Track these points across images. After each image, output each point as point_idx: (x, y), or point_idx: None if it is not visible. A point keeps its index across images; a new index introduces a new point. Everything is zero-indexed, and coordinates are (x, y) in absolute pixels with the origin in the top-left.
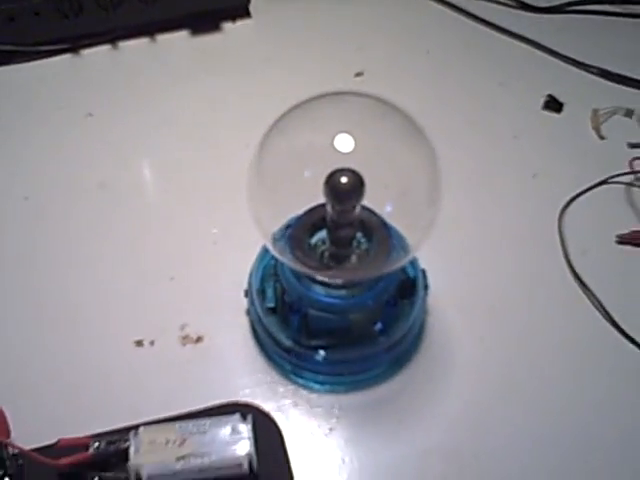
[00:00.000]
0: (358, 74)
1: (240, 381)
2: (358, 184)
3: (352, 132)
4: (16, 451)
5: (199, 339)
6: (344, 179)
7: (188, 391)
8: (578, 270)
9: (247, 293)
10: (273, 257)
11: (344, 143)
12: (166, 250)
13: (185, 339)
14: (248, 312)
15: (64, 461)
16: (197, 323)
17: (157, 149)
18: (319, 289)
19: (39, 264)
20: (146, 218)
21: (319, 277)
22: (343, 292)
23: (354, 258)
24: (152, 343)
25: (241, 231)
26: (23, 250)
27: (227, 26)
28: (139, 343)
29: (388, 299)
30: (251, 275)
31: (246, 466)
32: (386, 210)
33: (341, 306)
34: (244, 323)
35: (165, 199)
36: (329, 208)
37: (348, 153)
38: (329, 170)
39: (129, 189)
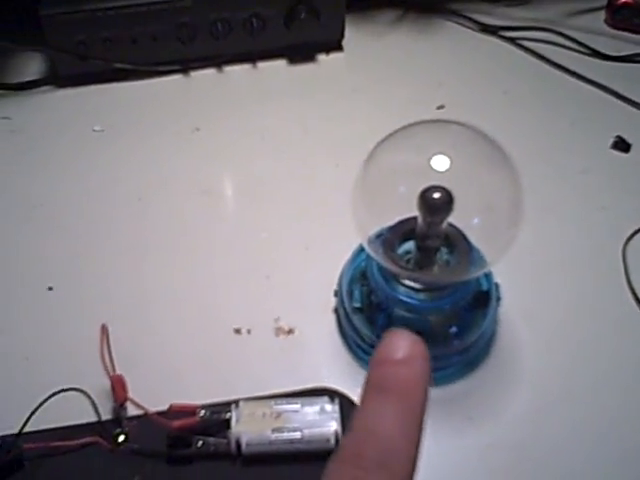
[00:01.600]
0: (440, 107)
1: (326, 370)
2: (448, 199)
3: (445, 153)
4: (133, 413)
5: (291, 331)
6: (437, 194)
7: (280, 375)
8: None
9: (336, 293)
10: (363, 262)
11: (439, 163)
12: (263, 252)
13: (278, 330)
14: (336, 310)
15: (175, 424)
16: (289, 317)
17: (255, 162)
18: (403, 291)
19: (152, 258)
20: (245, 222)
21: (404, 280)
22: (424, 296)
23: (436, 268)
24: (249, 332)
25: (330, 240)
26: (137, 245)
27: (321, 58)
28: (238, 331)
29: (464, 306)
30: (341, 277)
31: (333, 442)
32: (469, 226)
33: (422, 308)
34: (331, 320)
35: (261, 207)
36: (420, 220)
37: (441, 172)
38: (423, 186)
39: (230, 196)
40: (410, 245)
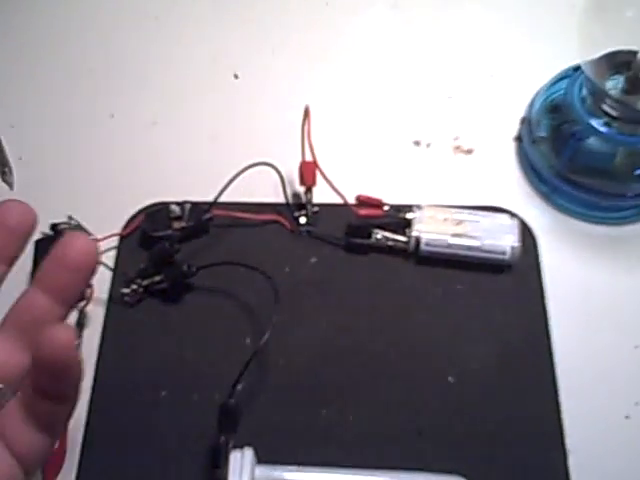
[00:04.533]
0: None
1: (503, 194)
2: None
3: None
4: (318, 200)
5: (469, 151)
6: None
7: (456, 191)
8: None
9: (523, 120)
10: (557, 93)
11: None
12: (445, 73)
13: (457, 149)
14: (518, 138)
15: (361, 211)
16: (469, 138)
17: None
18: (601, 122)
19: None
20: (428, 38)
21: (605, 108)
22: (620, 128)
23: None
24: (428, 145)
25: (517, 70)
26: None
27: None
28: (417, 143)
29: None
30: (531, 105)
31: (508, 256)
32: None
33: (615, 139)
34: (511, 147)
35: (449, 27)
36: None
37: None
38: None
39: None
40: (614, 82)
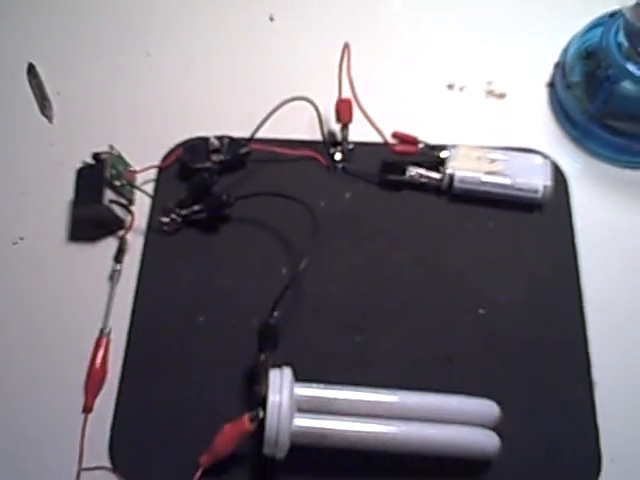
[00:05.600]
0: None
1: (535, 138)
2: None
3: None
4: (354, 138)
5: (501, 95)
6: None
7: (489, 134)
8: None
9: (558, 65)
10: (592, 39)
11: None
12: (478, 15)
13: (489, 93)
14: (551, 84)
15: (397, 147)
16: (502, 82)
17: None
18: (636, 66)
19: None
20: None
21: None
22: None
23: None
24: (461, 89)
25: (551, 16)
26: None
27: None
28: (450, 87)
29: None
30: (566, 50)
31: (540, 194)
32: None
33: None
34: (544, 92)
35: None
36: None
37: None
38: None
39: None
40: None
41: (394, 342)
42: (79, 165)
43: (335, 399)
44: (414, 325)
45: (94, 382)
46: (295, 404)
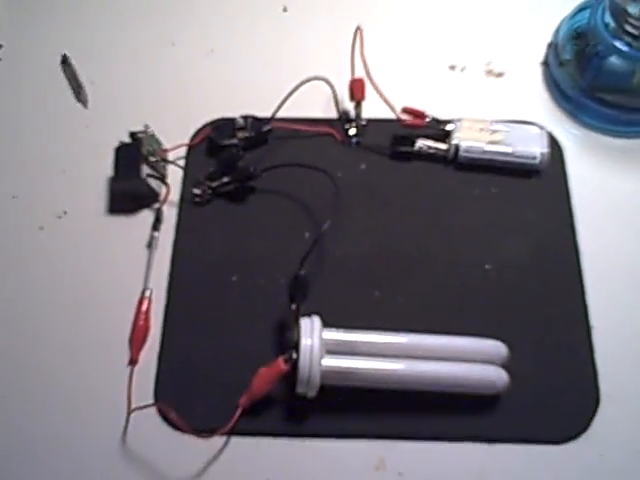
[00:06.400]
0: None
1: (531, 112)
2: None
3: None
4: (367, 115)
5: (500, 74)
6: None
7: (489, 110)
8: None
9: (550, 45)
10: (582, 21)
11: None
12: (479, 5)
13: (489, 73)
14: (545, 62)
15: (407, 122)
16: (500, 62)
17: None
18: (623, 42)
19: None
20: None
21: (628, 28)
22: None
23: None
24: (462, 70)
25: (543, 3)
26: None
27: None
28: (452, 67)
29: None
30: (557, 30)
31: (538, 161)
32: None
33: (635, 57)
34: (539, 71)
35: None
36: None
37: None
38: None
39: None
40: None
41: (410, 295)
42: (115, 144)
43: (359, 342)
44: (427, 280)
45: (138, 337)
46: (324, 347)
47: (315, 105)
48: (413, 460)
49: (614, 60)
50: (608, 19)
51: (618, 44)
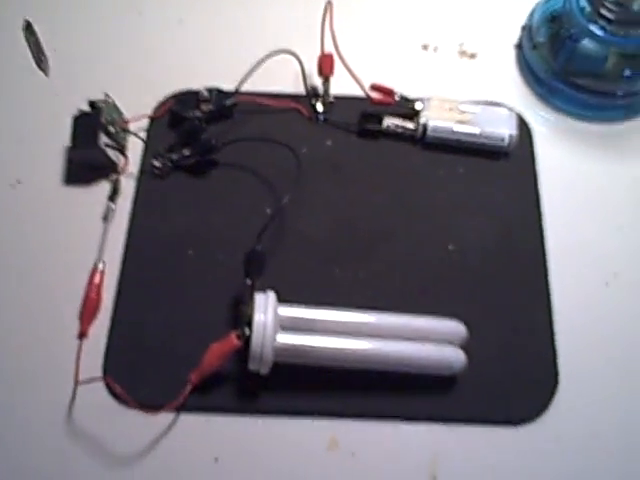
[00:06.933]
0: None
1: (502, 94)
2: None
3: None
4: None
5: (473, 55)
6: None
7: (462, 91)
8: None
9: (524, 28)
10: (555, 4)
11: None
12: None
13: (462, 54)
14: (518, 45)
15: (375, 98)
16: (473, 43)
17: None
18: (597, 25)
19: None
20: None
21: (601, 10)
22: (614, 30)
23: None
24: (435, 49)
25: None
26: None
27: None
28: (425, 47)
29: None
30: (532, 13)
31: (506, 143)
32: None
33: (609, 40)
34: (512, 54)
35: None
36: None
37: None
38: None
39: None
40: None
41: (370, 274)
42: (75, 113)
43: (315, 319)
44: (389, 259)
45: (89, 310)
46: (278, 323)
47: (283, 80)
48: (367, 440)
49: (587, 44)
50: (583, 3)
51: (593, 28)
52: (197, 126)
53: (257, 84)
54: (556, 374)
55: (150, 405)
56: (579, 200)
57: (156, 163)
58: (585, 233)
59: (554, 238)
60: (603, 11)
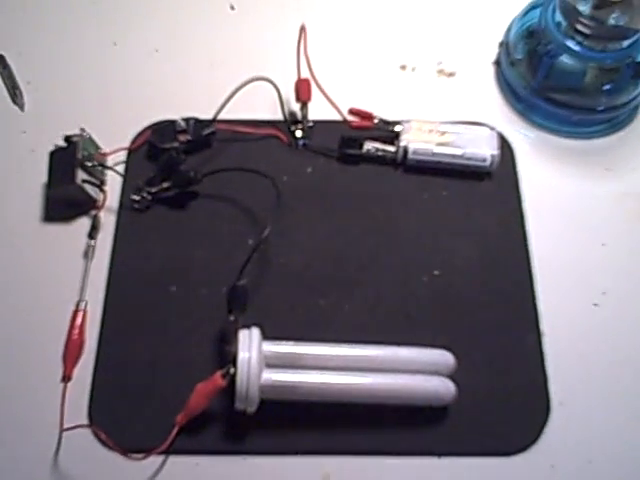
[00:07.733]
0: None
1: (482, 112)
2: None
3: None
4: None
5: (451, 74)
6: None
7: (441, 111)
8: None
9: (502, 44)
10: (532, 20)
11: None
12: (430, 5)
13: (440, 73)
14: (497, 62)
15: (353, 123)
16: (451, 62)
17: None
18: (574, 41)
19: None
20: None
21: (578, 26)
22: (591, 45)
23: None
24: (413, 69)
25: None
26: None
27: None
28: (403, 67)
29: (623, 68)
30: (509, 30)
31: (488, 163)
32: None
33: (586, 56)
34: (491, 71)
35: None
36: None
37: None
38: None
39: None
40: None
41: (356, 304)
42: (51, 148)
43: (301, 354)
44: (374, 287)
45: (72, 352)
46: (264, 360)
47: (261, 107)
48: (360, 476)
49: (565, 59)
50: (559, 18)
51: (569, 43)
52: (174, 157)
53: (234, 112)
54: (548, 400)
55: (137, 450)
56: (564, 218)
57: (135, 197)
58: (571, 251)
59: (540, 259)
60: (579, 26)
